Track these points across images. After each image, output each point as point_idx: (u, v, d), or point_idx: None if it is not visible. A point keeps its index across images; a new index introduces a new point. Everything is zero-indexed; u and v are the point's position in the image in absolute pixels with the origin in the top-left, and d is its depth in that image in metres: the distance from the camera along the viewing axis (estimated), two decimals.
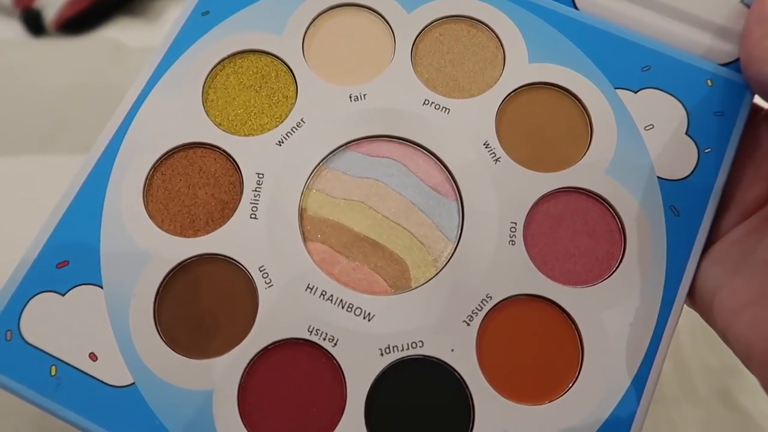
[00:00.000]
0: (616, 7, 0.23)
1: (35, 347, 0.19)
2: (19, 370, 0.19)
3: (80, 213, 0.20)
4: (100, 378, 0.19)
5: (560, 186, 0.21)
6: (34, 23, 0.45)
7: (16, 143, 0.36)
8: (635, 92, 0.22)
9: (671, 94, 0.22)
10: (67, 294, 0.20)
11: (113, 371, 0.19)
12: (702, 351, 0.33)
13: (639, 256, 0.20)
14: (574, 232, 0.20)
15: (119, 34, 0.44)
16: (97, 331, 0.19)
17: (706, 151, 0.21)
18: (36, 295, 0.20)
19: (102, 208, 0.20)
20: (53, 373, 0.19)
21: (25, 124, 0.37)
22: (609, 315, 0.19)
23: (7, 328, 0.19)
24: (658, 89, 0.22)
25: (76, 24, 0.45)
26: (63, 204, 0.20)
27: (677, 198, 0.20)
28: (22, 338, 0.19)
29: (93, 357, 0.19)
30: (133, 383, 0.19)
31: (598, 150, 0.21)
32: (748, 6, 0.22)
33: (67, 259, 0.20)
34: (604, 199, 0.21)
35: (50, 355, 0.19)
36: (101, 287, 0.20)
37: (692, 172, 0.21)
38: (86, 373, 0.19)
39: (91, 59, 0.41)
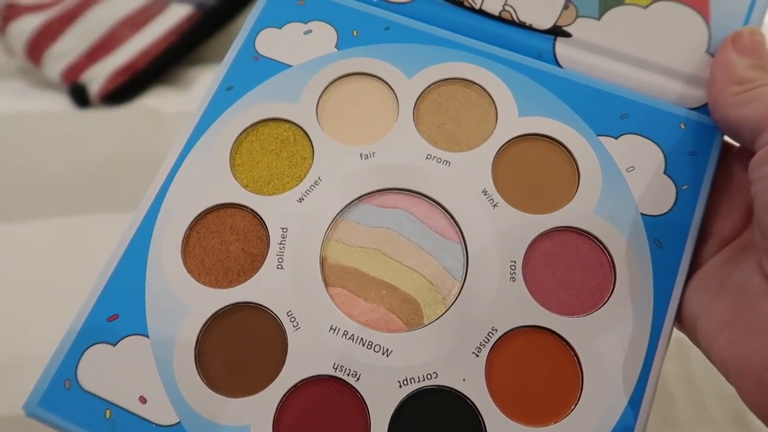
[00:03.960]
0: (595, 62, 0.25)
1: (91, 393, 0.22)
2: (78, 414, 0.21)
3: (127, 271, 0.23)
4: (150, 419, 0.21)
5: (554, 226, 0.23)
6: (80, 96, 0.49)
7: (65, 205, 0.39)
8: (616, 138, 0.24)
9: (649, 138, 0.24)
10: (117, 344, 0.22)
11: (161, 412, 0.21)
12: (715, 376, 0.34)
13: (628, 286, 0.22)
14: (568, 267, 0.23)
15: (156, 102, 0.48)
16: (146, 376, 0.22)
17: (684, 188, 0.23)
18: (90, 346, 0.22)
19: (146, 266, 0.23)
20: (108, 416, 0.21)
21: (73, 187, 0.40)
22: (604, 341, 0.21)
23: (66, 377, 0.22)
24: (636, 134, 0.24)
25: (117, 95, 0.49)
26: (111, 263, 0.23)
27: (660, 232, 0.23)
28: (80, 386, 0.22)
29: (142, 400, 0.21)
30: (179, 422, 0.21)
31: (586, 192, 0.23)
32: (712, 56, 0.24)
33: (117, 312, 0.23)
34: (594, 236, 0.23)
35: (105, 400, 0.21)
36: (147, 337, 0.22)
37: (672, 207, 0.23)
38: (137, 415, 0.21)
39: (131, 126, 0.45)
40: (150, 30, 0.51)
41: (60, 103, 0.49)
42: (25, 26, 0.50)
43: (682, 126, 0.24)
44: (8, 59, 0.53)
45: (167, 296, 0.23)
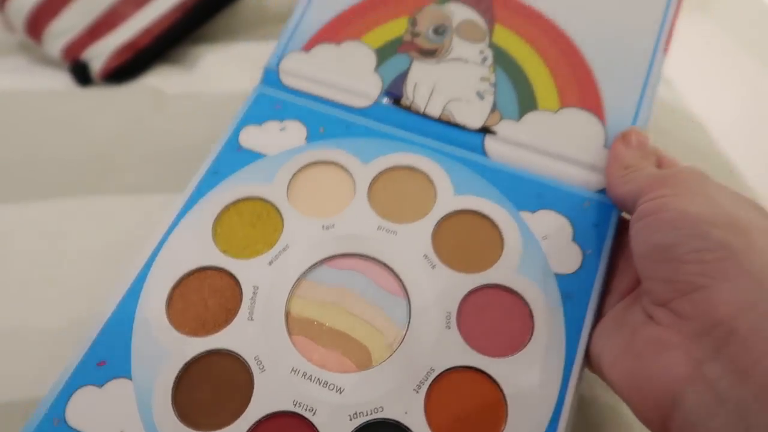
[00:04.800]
0: (515, 154, 0.31)
1: (77, 430, 0.24)
2: None
3: (117, 321, 0.27)
4: None
5: (483, 283, 0.27)
6: (81, 74, 0.48)
7: (67, 185, 0.38)
8: (533, 212, 0.29)
9: (560, 213, 0.29)
10: (104, 386, 0.25)
11: None
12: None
13: (545, 333, 0.26)
14: (494, 316, 0.27)
15: (159, 81, 0.47)
16: (127, 416, 0.25)
17: (588, 252, 0.28)
18: (79, 388, 0.25)
19: (134, 317, 0.27)
20: None
21: (75, 168, 0.39)
22: (525, 379, 0.25)
23: (54, 416, 0.25)
24: (549, 210, 0.29)
25: (120, 74, 0.48)
26: (105, 313, 0.27)
27: (570, 287, 0.27)
28: (67, 424, 0.24)
29: None
30: None
31: (509, 255, 0.28)
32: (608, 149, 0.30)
33: (105, 359, 0.26)
34: (516, 291, 0.27)
35: None
36: (131, 379, 0.25)
37: (579, 267, 0.28)
38: None
39: (134, 106, 0.44)
40: (153, 7, 0.48)
41: (62, 80, 0.48)
42: (25, 1, 0.48)
43: (587, 204, 0.29)
44: (8, 35, 0.51)
45: (151, 343, 0.26)
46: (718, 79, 0.98)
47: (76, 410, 0.25)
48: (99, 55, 0.48)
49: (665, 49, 0.32)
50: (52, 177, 0.38)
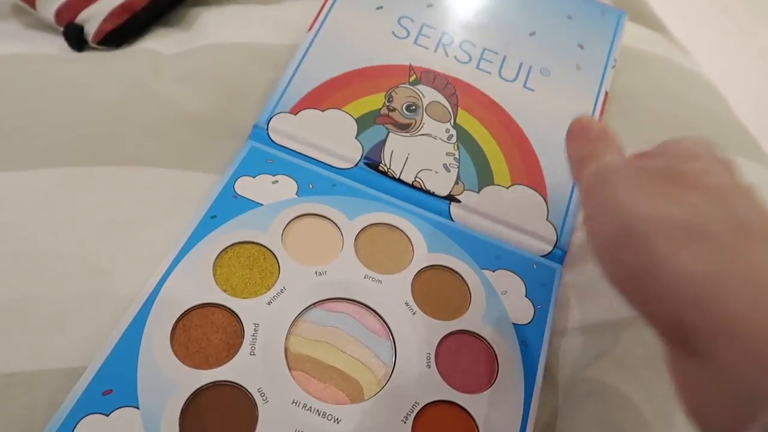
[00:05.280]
0: (477, 220, 0.37)
1: None
2: None
3: (122, 352, 0.28)
4: None
5: (455, 329, 0.32)
6: (76, 38, 0.45)
7: (65, 156, 0.36)
8: (494, 271, 0.35)
9: (515, 273, 0.35)
10: (110, 415, 0.26)
11: None
12: None
13: (507, 373, 0.31)
14: (466, 358, 0.31)
15: (156, 44, 0.45)
16: None
17: (538, 306, 0.34)
18: (85, 416, 0.26)
19: (139, 349, 0.28)
20: None
21: (72, 137, 0.37)
22: (493, 410, 0.30)
23: None
24: (506, 269, 0.35)
25: (115, 37, 0.46)
26: (109, 344, 0.28)
27: (525, 335, 0.33)
28: None
29: None
30: None
31: (475, 307, 0.33)
32: (551, 222, 0.37)
33: (111, 388, 0.27)
34: (482, 337, 0.32)
35: None
36: (138, 408, 0.27)
37: (532, 319, 0.33)
38: None
39: (131, 70, 0.42)
40: None
41: (56, 45, 0.45)
42: None
43: (535, 266, 0.35)
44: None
45: (157, 375, 0.28)
46: (735, 49, 1.03)
47: None
48: (94, 17, 0.45)
49: None
50: (49, 146, 0.37)
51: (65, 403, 0.26)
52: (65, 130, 0.38)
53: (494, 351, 0.32)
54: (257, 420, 0.27)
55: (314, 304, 0.32)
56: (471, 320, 0.33)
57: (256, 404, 0.28)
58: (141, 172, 0.36)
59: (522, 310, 0.34)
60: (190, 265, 0.31)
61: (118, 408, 0.26)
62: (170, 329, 0.29)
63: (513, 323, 0.33)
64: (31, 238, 0.33)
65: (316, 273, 0.32)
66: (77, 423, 0.26)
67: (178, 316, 0.30)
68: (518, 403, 0.30)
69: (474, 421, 0.29)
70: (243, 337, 0.30)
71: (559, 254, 0.36)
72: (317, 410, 0.28)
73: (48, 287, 0.31)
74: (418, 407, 0.29)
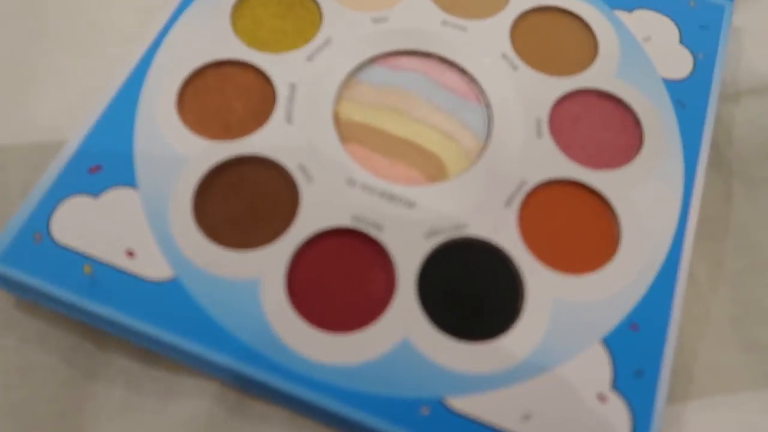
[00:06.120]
0: None
1: (66, 247, 0.18)
2: (50, 270, 0.18)
3: (111, 122, 0.20)
4: (138, 273, 0.18)
5: (577, 87, 0.22)
6: None
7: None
8: (630, 11, 0.24)
9: (661, 13, 0.24)
10: (100, 196, 0.19)
11: (152, 266, 0.18)
12: None
13: (657, 143, 0.21)
14: (594, 126, 0.22)
15: None
16: (134, 229, 0.19)
17: (700, 56, 0.23)
18: (67, 198, 0.19)
19: (134, 116, 0.20)
20: (87, 271, 0.18)
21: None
22: (638, 193, 0.20)
23: (35, 230, 0.18)
24: (649, 9, 0.24)
25: None
26: (95, 112, 0.20)
27: (682, 94, 0.22)
28: (52, 239, 0.18)
29: (129, 254, 0.18)
30: (174, 277, 0.18)
31: (605, 58, 0.23)
32: None
33: (100, 163, 0.20)
34: (619, 98, 0.22)
35: (83, 255, 0.18)
36: (135, 188, 0.19)
37: (691, 72, 0.23)
38: (123, 270, 0.18)
39: None
40: None
41: None
42: None
43: (692, 3, 0.24)
44: None
45: (161, 147, 0.20)
46: None
47: (63, 224, 0.19)
48: None
49: None
50: None
51: (41, 181, 0.19)
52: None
53: (635, 114, 0.22)
54: (298, 203, 0.19)
55: (371, 59, 0.22)
56: (600, 76, 0.22)
57: (296, 184, 0.20)
58: None
59: (676, 61, 0.23)
60: (198, 17, 0.22)
61: (109, 188, 0.19)
62: (176, 91, 0.21)
63: (663, 78, 0.23)
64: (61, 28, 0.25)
65: (373, 20, 0.23)
66: (57, 205, 0.19)
67: (186, 74, 0.21)
68: (675, 183, 0.21)
69: (609, 206, 0.20)
70: (275, 103, 0.21)
71: None
72: (382, 192, 0.20)
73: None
74: (527, 186, 0.20)
